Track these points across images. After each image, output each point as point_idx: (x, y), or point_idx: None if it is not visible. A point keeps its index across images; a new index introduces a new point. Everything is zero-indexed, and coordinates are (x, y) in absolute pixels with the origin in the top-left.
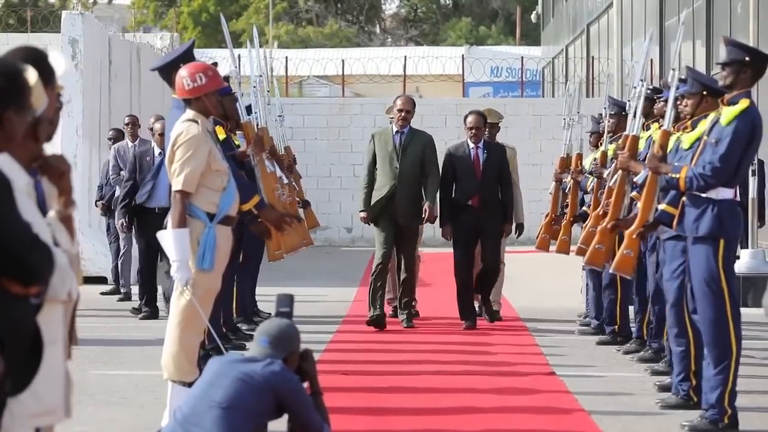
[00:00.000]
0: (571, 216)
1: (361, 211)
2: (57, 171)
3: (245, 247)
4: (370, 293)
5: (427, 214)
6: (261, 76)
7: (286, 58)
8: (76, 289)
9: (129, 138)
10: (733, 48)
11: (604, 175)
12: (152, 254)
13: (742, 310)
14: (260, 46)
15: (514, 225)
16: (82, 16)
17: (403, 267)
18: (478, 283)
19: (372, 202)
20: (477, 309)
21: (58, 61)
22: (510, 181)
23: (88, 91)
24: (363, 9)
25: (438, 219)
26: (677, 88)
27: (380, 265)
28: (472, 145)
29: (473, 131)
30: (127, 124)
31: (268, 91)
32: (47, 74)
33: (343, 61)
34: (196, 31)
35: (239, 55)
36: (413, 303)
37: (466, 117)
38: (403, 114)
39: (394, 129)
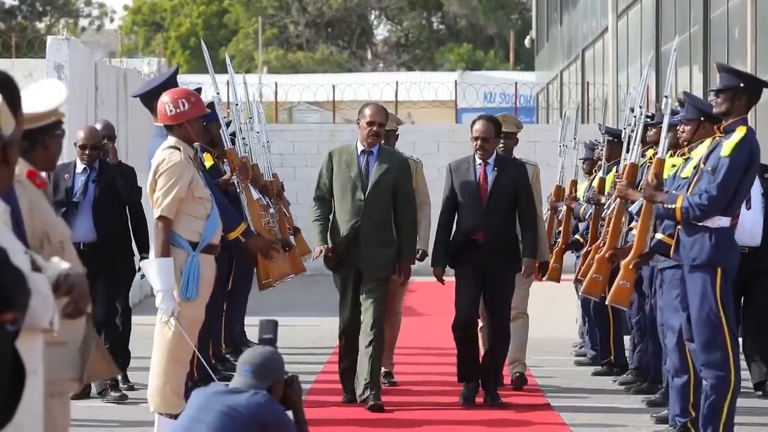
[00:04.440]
0: (564, 243)
1: (318, 247)
2: None
3: (234, 277)
4: (340, 374)
5: (398, 271)
6: (238, 104)
7: (276, 83)
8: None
9: None
10: (726, 74)
11: (602, 201)
12: None
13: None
14: (249, 72)
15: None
16: (67, 42)
17: (366, 329)
18: (485, 352)
19: (330, 242)
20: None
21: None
22: (532, 208)
23: (73, 117)
24: (354, 34)
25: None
26: (671, 115)
27: (344, 336)
28: (478, 161)
29: (479, 142)
30: None
31: (251, 118)
32: (13, 97)
33: (333, 86)
34: (184, 56)
35: (228, 81)
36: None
37: (473, 124)
38: (374, 128)
39: (360, 147)
